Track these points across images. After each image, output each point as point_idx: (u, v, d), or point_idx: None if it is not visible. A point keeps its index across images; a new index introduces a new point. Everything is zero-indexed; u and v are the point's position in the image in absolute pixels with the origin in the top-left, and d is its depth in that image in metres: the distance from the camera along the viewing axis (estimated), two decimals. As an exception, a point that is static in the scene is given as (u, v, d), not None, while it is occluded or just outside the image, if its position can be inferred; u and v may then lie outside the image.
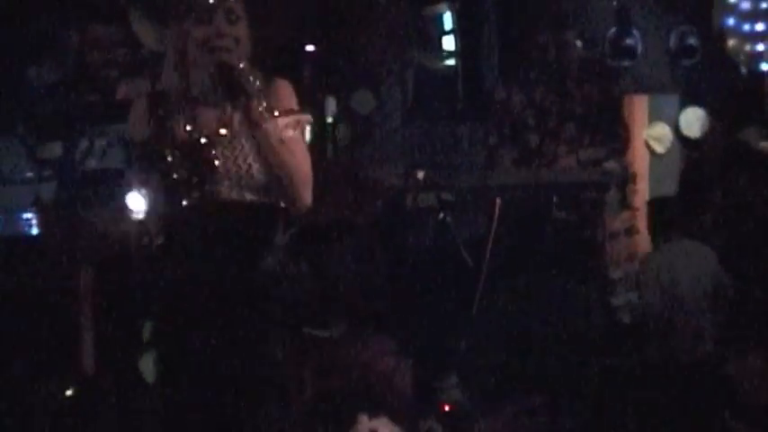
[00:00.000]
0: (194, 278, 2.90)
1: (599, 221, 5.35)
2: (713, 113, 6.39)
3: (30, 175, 5.19)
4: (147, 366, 4.67)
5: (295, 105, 3.06)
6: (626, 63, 6.46)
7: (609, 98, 5.60)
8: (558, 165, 5.30)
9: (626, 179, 5.51)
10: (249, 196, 2.98)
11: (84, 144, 4.88)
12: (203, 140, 2.96)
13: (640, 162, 6.23)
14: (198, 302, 2.89)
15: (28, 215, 5.14)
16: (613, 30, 6.42)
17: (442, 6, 6.45)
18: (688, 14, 6.58)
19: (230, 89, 2.94)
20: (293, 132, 2.98)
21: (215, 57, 2.95)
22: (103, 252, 4.75)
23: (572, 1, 6.21)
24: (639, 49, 6.46)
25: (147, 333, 4.67)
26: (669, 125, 6.43)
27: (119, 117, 4.81)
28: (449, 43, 6.49)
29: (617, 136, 5.50)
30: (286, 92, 3.08)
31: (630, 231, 5.75)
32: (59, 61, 4.94)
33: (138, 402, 4.70)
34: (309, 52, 5.92)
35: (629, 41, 6.44)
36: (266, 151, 2.93)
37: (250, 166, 2.97)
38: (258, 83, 2.92)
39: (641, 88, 6.50)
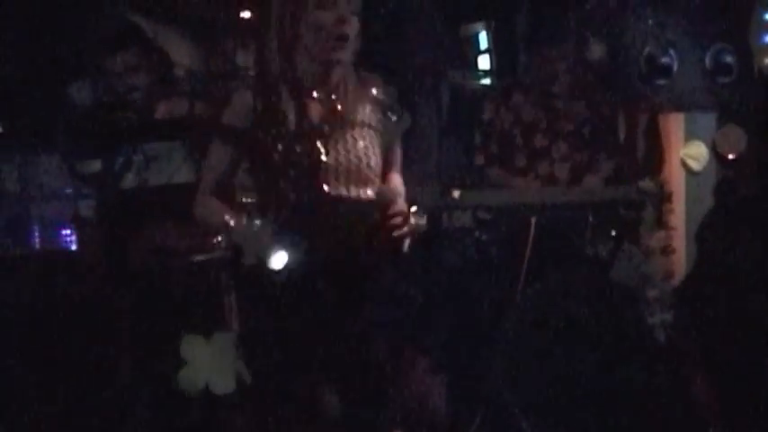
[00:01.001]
0: (305, 278, 2.87)
1: (635, 240, 5.34)
2: (750, 132, 6.36)
3: (69, 191, 5.25)
4: (185, 381, 4.70)
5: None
6: (662, 82, 6.44)
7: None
8: (585, 182, 5.30)
9: (662, 198, 5.50)
10: (356, 192, 2.96)
11: (121, 162, 4.92)
12: (311, 133, 2.94)
13: (676, 181, 6.20)
14: (309, 303, 2.87)
15: (67, 231, 5.20)
16: (648, 48, 6.41)
17: (478, 26, 6.48)
18: (724, 32, 6.55)
19: (335, 85, 2.92)
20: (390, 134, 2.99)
21: (332, 44, 2.93)
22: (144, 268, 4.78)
23: (606, 19, 6.21)
24: (675, 67, 6.44)
25: (183, 348, 4.70)
26: (705, 144, 6.40)
27: (155, 136, 4.87)
28: (484, 63, 6.52)
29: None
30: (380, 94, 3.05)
31: (666, 250, 5.73)
32: (99, 81, 4.99)
33: (176, 417, 4.73)
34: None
35: (664, 60, 6.42)
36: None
37: (359, 160, 2.96)
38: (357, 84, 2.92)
39: (677, 107, 6.47)
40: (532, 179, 5.29)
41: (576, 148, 5.33)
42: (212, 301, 4.80)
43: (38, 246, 5.59)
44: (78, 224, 5.09)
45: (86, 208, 5.17)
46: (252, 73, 5.41)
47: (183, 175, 4.83)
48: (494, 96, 5.47)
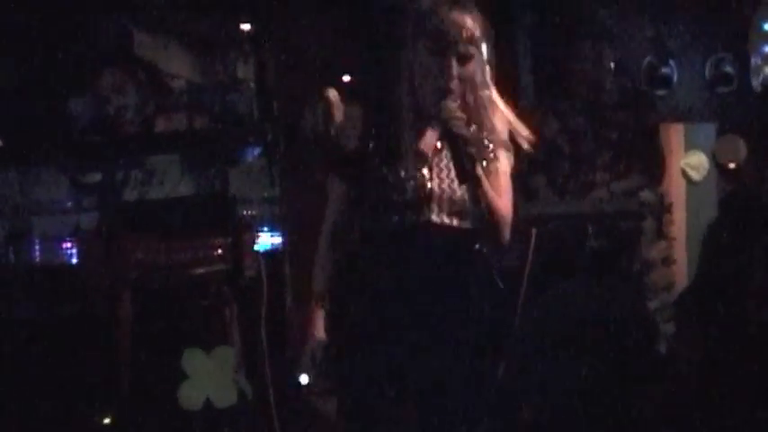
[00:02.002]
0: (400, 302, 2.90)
1: (635, 251, 5.34)
2: (750, 142, 6.36)
3: (69, 204, 5.25)
4: (185, 395, 4.70)
5: (506, 135, 3.05)
6: (662, 92, 6.44)
7: (644, 126, 5.57)
8: (593, 194, 5.29)
9: (662, 209, 5.49)
10: (456, 222, 2.96)
11: (121, 175, 4.93)
12: (418, 162, 2.94)
13: (677, 191, 6.19)
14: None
15: (68, 244, 5.20)
16: (649, 58, 6.42)
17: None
18: (724, 42, 6.56)
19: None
20: (498, 165, 2.98)
21: (436, 94, 2.92)
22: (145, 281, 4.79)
23: (607, 29, 6.22)
24: (675, 77, 6.44)
25: (184, 362, 4.70)
26: (705, 154, 6.40)
27: (154, 150, 4.88)
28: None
29: (653, 165, 5.48)
30: (500, 122, 3.04)
31: (667, 261, 5.73)
32: (99, 96, 5.00)
33: (176, 431, 4.73)
34: (346, 82, 5.96)
35: (664, 70, 6.43)
36: (480, 202, 2.91)
37: (457, 191, 2.96)
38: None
39: (677, 117, 6.47)
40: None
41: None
42: (213, 314, 4.80)
43: (38, 258, 5.58)
44: (79, 237, 5.09)
45: (87, 221, 5.17)
46: (252, 85, 5.42)
47: (182, 188, 4.84)
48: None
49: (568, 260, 4.97)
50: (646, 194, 5.21)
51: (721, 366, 5.05)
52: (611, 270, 5.12)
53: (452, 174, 2.93)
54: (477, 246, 3.01)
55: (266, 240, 4.91)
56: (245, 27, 5.81)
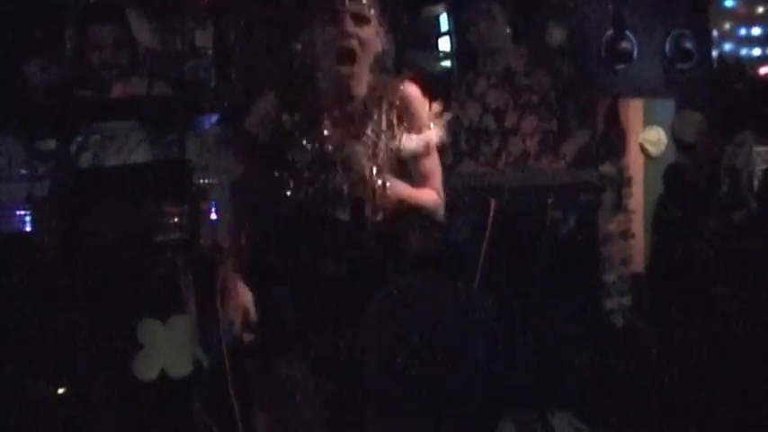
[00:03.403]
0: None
1: (594, 224, 5.35)
2: (708, 118, 6.39)
3: (24, 172, 5.18)
4: (140, 365, 4.66)
5: (426, 115, 3.04)
6: (621, 66, 6.45)
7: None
8: (552, 165, 5.28)
9: (622, 182, 5.51)
10: (378, 216, 2.96)
11: (77, 141, 4.87)
12: (331, 152, 2.94)
13: (636, 165, 6.22)
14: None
15: (21, 212, 5.13)
16: (609, 33, 6.41)
17: (439, 8, 6.44)
18: (684, 18, 6.57)
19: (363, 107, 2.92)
20: (425, 145, 2.98)
21: (338, 60, 2.93)
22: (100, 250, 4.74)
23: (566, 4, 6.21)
24: (635, 52, 6.45)
25: (140, 332, 4.66)
26: (664, 129, 6.42)
27: (113, 115, 4.81)
28: (445, 44, 6.48)
29: (612, 139, 5.48)
30: (416, 103, 3.05)
31: (625, 234, 5.74)
32: (56, 59, 4.92)
33: (131, 400, 4.69)
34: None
35: (624, 45, 6.43)
36: (400, 164, 2.91)
37: (379, 180, 2.95)
38: (389, 96, 2.92)
39: (636, 92, 6.48)
40: (503, 163, 5.26)
41: (544, 118, 5.28)
42: (169, 283, 4.76)
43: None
44: (33, 205, 5.02)
45: (42, 188, 5.10)
46: (210, 53, 5.37)
47: (139, 155, 4.79)
48: (458, 92, 5.40)
49: (527, 231, 4.97)
50: (606, 167, 5.21)
51: (675, 338, 5.09)
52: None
53: (376, 161, 2.95)
54: (400, 237, 3.01)
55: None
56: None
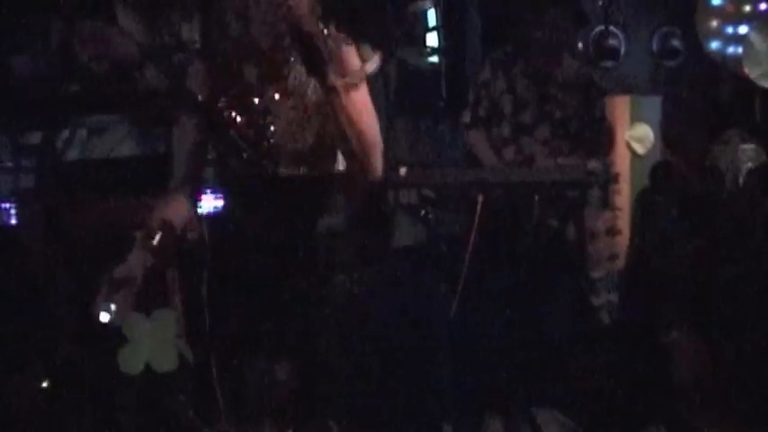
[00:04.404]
0: (250, 252, 2.84)
1: (580, 221, 5.34)
2: (693, 116, 6.42)
3: (8, 164, 5.16)
4: (125, 358, 4.64)
5: (358, 64, 2.99)
6: (609, 64, 6.47)
7: (592, 104, 5.54)
8: (538, 162, 5.28)
9: (608, 179, 5.50)
10: (304, 169, 2.93)
11: (63, 135, 4.85)
12: (259, 107, 2.92)
13: (622, 162, 6.24)
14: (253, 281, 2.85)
15: (6, 205, 5.11)
16: (597, 30, 6.43)
17: (427, 3, 6.44)
18: (671, 16, 6.59)
19: (307, 52, 2.86)
20: (362, 93, 2.93)
21: (281, 12, 2.90)
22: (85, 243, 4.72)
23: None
24: (622, 49, 6.47)
25: (124, 326, 4.64)
26: (651, 126, 6.43)
27: (99, 108, 4.80)
28: (432, 40, 6.49)
29: (599, 140, 5.46)
30: (350, 51, 2.99)
31: (612, 231, 5.75)
32: (44, 52, 4.91)
33: (116, 394, 4.67)
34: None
35: (612, 42, 6.46)
36: (338, 116, 2.85)
37: (305, 136, 2.92)
38: (329, 43, 2.86)
39: (623, 89, 6.50)
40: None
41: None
42: (153, 276, 4.74)
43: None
44: (18, 198, 5.00)
45: (27, 181, 5.09)
46: (197, 46, 5.36)
47: (125, 148, 4.78)
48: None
49: (514, 228, 4.97)
50: (593, 164, 5.19)
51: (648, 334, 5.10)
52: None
53: (301, 118, 2.93)
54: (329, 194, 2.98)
55: (209, 202, 4.84)
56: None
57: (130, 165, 4.82)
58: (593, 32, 6.38)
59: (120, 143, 4.78)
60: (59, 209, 4.77)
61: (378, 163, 2.95)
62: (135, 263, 2.96)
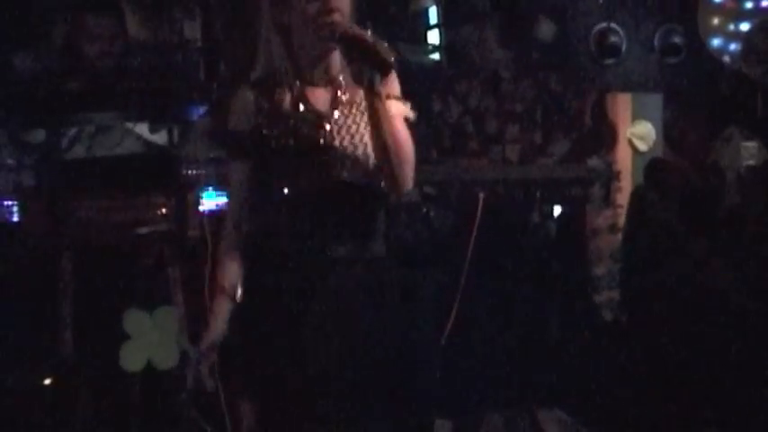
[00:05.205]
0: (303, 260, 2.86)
1: (582, 218, 5.35)
2: (696, 112, 6.41)
3: (10, 161, 5.17)
4: (127, 356, 4.66)
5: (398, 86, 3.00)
6: (610, 61, 6.46)
7: (588, 96, 5.56)
8: (541, 160, 5.29)
9: (610, 176, 5.51)
10: (362, 179, 2.93)
11: (66, 132, 4.85)
12: (317, 123, 2.91)
13: (624, 159, 6.22)
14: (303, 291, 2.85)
15: (8, 202, 5.11)
16: (598, 27, 6.43)
17: (428, 0, 6.44)
18: (673, 13, 6.59)
19: (361, 61, 2.85)
20: (400, 103, 2.94)
21: (321, 35, 2.90)
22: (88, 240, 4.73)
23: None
24: (624, 46, 6.46)
25: (126, 323, 4.65)
26: (653, 123, 6.42)
27: (101, 106, 4.80)
28: (434, 37, 6.48)
29: (601, 133, 5.48)
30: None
31: (614, 229, 5.75)
32: (48, 49, 4.91)
33: (117, 392, 4.69)
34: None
35: (613, 39, 6.45)
36: (382, 130, 2.85)
37: (364, 147, 2.93)
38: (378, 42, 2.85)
39: (625, 86, 6.50)
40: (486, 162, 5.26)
41: (527, 129, 5.29)
42: (156, 274, 4.75)
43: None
44: (21, 195, 5.01)
45: (29, 179, 5.09)
46: (199, 45, 5.36)
47: (127, 146, 4.78)
48: (440, 88, 5.38)
49: (516, 225, 4.98)
50: (594, 161, 5.22)
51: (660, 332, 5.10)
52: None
53: (359, 130, 2.93)
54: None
55: (210, 200, 4.86)
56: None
57: (133, 161, 4.83)
58: (595, 29, 6.38)
59: (123, 141, 4.79)
60: (62, 206, 4.78)
61: (410, 179, 2.95)
62: (217, 332, 2.97)
